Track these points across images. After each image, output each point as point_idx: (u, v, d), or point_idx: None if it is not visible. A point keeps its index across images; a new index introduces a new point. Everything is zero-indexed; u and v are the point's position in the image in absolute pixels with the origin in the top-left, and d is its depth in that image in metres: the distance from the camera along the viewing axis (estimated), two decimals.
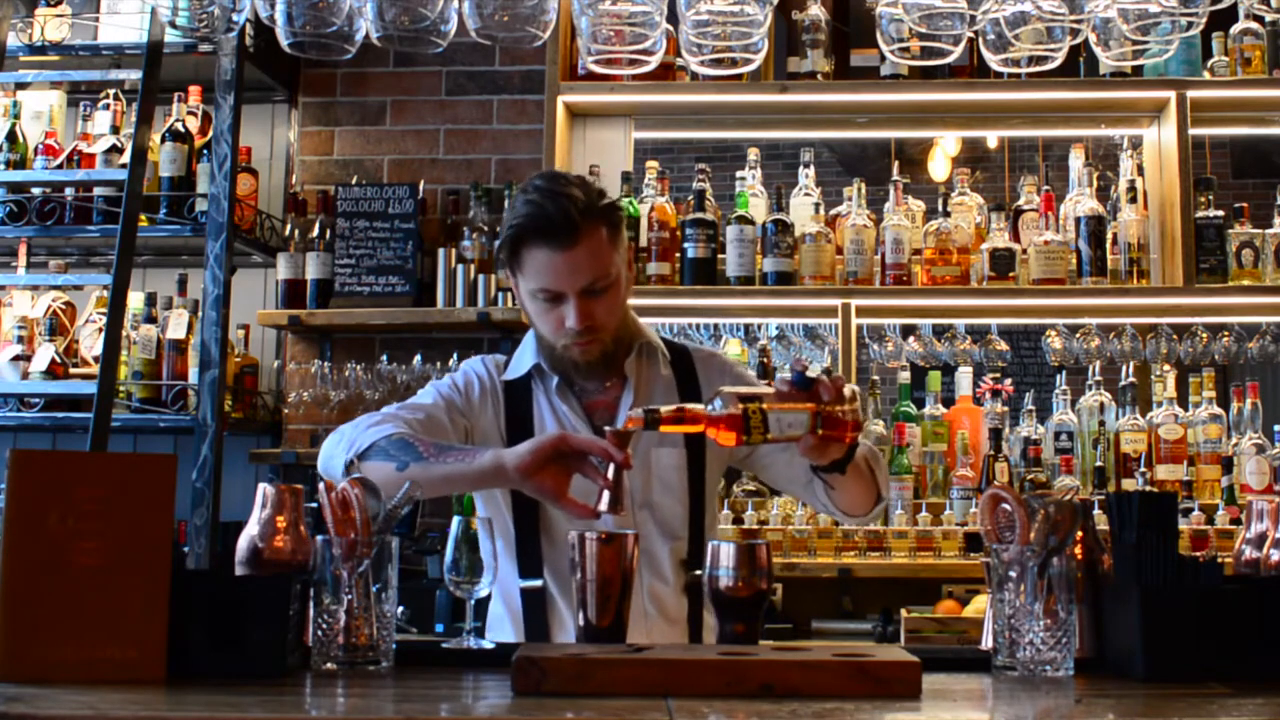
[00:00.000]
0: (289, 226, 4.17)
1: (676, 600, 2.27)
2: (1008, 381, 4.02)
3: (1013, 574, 1.75)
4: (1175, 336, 3.86)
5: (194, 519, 3.64)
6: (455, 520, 1.90)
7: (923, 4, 2.14)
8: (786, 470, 2.30)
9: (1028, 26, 2.18)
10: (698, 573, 2.19)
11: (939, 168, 5.15)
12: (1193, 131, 3.79)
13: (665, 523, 2.27)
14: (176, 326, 3.93)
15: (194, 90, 4.07)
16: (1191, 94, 3.77)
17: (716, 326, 4.07)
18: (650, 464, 2.27)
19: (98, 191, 3.94)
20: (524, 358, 2.32)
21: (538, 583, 2.22)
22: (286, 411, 4.16)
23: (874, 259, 3.83)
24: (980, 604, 3.36)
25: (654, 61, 2.24)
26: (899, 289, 3.80)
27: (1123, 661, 1.78)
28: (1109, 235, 3.81)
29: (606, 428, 1.98)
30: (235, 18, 2.14)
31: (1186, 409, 3.84)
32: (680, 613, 2.27)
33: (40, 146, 4.00)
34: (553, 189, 2.16)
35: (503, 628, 2.28)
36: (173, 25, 2.34)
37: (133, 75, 3.83)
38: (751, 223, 3.83)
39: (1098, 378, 3.91)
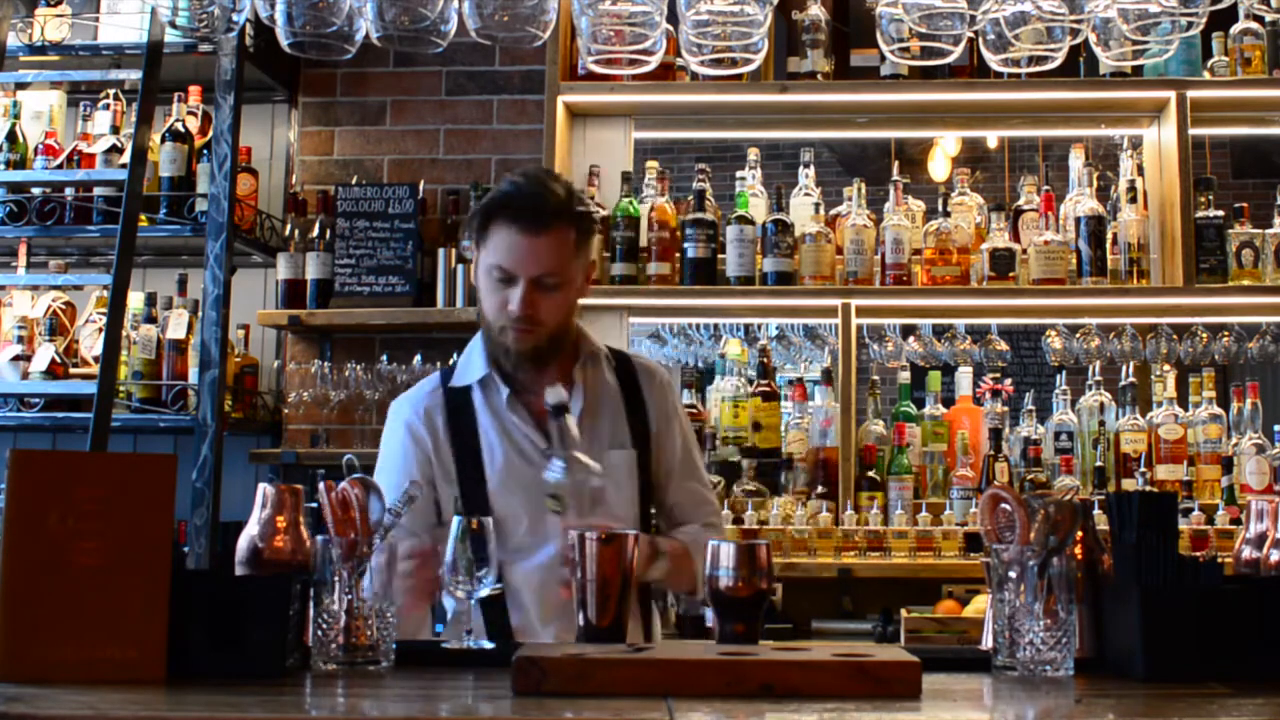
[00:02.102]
0: (289, 226, 4.17)
1: None
2: (1008, 381, 4.02)
3: (1013, 574, 1.75)
4: (1175, 336, 3.86)
5: (194, 519, 3.64)
6: (455, 520, 1.90)
7: (923, 4, 2.14)
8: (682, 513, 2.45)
9: (1028, 26, 2.18)
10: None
11: (939, 168, 5.15)
12: (1193, 131, 3.78)
13: (618, 521, 2.28)
14: (176, 326, 3.93)
15: (194, 90, 4.07)
16: (1191, 94, 3.77)
17: (716, 326, 4.06)
18: (603, 464, 2.30)
19: (98, 191, 3.94)
20: (473, 365, 2.38)
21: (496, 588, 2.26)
22: (286, 411, 4.16)
23: (874, 259, 3.83)
24: (980, 604, 3.36)
25: (654, 61, 2.24)
26: (899, 289, 3.80)
27: (1123, 661, 1.78)
28: (1109, 235, 3.81)
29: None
30: (235, 18, 2.14)
31: (1186, 409, 3.84)
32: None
33: (40, 146, 4.00)
34: (537, 178, 2.29)
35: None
36: (173, 25, 2.34)
37: (133, 75, 3.83)
38: (751, 223, 3.83)
39: (1098, 378, 3.91)
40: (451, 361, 2.51)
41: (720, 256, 3.84)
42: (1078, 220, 3.78)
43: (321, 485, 1.83)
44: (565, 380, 2.34)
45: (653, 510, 2.45)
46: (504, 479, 2.30)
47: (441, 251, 4.00)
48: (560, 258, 2.24)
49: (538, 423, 2.32)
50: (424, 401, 2.38)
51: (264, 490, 1.89)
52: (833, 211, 3.97)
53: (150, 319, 3.95)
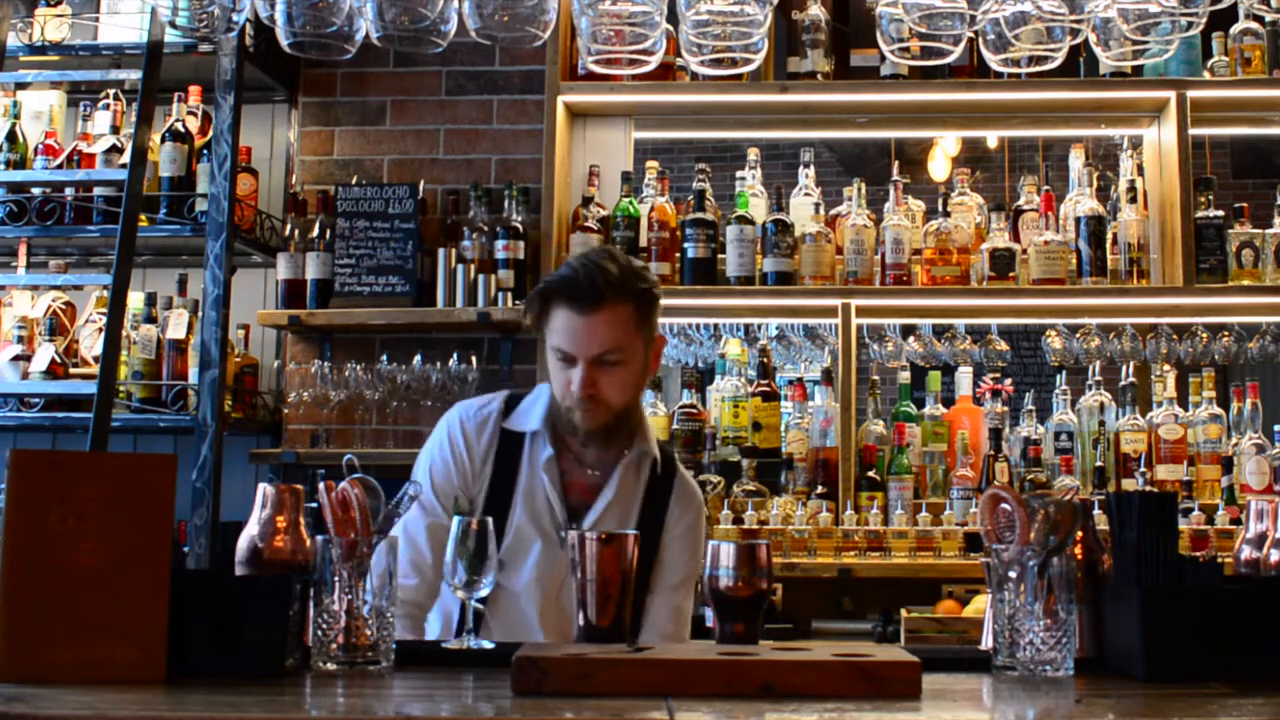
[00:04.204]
0: (289, 226, 4.17)
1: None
2: (1008, 381, 4.02)
3: (1013, 574, 1.75)
4: (1175, 336, 3.86)
5: (194, 519, 3.64)
6: (455, 521, 1.90)
7: (923, 4, 2.14)
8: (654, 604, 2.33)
9: (1028, 26, 2.18)
10: None
11: (939, 168, 5.16)
12: (1193, 131, 3.79)
13: None
14: (176, 326, 3.93)
15: (194, 90, 4.07)
16: (1191, 94, 3.77)
17: (716, 326, 4.06)
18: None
19: (98, 191, 3.94)
20: (533, 413, 2.36)
21: None
22: (286, 411, 4.16)
23: (874, 259, 3.83)
24: (980, 604, 3.36)
25: (654, 61, 2.24)
26: (899, 289, 3.80)
27: (1123, 661, 1.78)
28: (1109, 235, 3.81)
29: None
30: (235, 18, 2.14)
31: (1186, 409, 3.84)
32: None
33: (40, 146, 4.00)
34: (591, 259, 2.24)
35: (431, 625, 2.34)
36: (173, 25, 2.34)
37: (133, 75, 3.83)
38: (751, 223, 3.83)
39: (1098, 378, 3.91)
40: (518, 395, 2.45)
41: (720, 256, 3.84)
42: (1078, 220, 3.78)
43: (321, 485, 1.83)
44: (608, 471, 2.32)
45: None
46: (519, 526, 2.30)
47: (441, 251, 4.00)
48: (618, 334, 2.21)
49: (564, 492, 2.32)
50: (483, 422, 2.36)
51: (264, 490, 1.89)
52: (833, 211, 3.97)
53: (150, 319, 3.95)
